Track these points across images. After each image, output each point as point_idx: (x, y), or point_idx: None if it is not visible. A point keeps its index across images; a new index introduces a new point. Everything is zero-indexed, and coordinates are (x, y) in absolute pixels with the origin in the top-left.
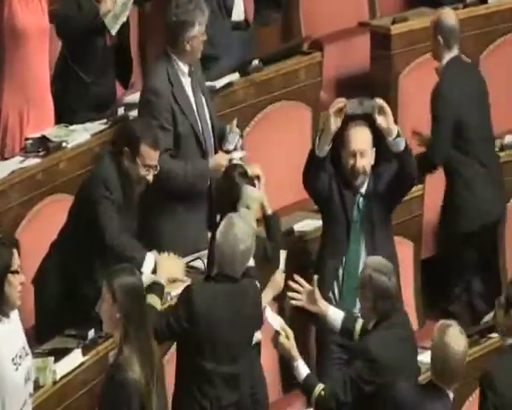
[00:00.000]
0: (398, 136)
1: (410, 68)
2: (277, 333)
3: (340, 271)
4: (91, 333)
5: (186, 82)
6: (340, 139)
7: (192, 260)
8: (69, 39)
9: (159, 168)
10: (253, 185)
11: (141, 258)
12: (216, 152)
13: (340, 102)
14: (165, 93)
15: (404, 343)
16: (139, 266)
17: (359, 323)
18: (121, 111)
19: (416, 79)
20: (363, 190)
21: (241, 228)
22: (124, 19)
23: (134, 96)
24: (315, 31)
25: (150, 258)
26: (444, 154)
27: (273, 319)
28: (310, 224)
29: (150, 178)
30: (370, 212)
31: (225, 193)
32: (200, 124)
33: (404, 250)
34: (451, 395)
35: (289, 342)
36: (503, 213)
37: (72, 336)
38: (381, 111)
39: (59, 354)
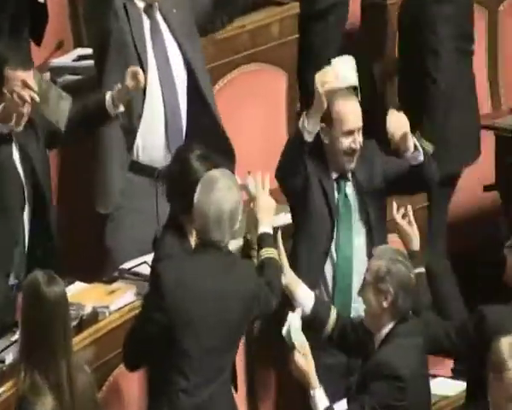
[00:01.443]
0: (416, 149)
1: None
2: (293, 348)
3: (329, 271)
4: (10, 356)
5: (145, 21)
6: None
7: (136, 266)
8: None
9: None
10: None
11: None
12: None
13: (330, 77)
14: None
15: (422, 354)
16: None
17: (334, 313)
18: (47, 77)
19: None
20: (349, 175)
21: (226, 183)
22: None
23: (64, 59)
24: None
25: None
26: None
27: (295, 329)
28: (286, 218)
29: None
30: (362, 201)
31: (176, 179)
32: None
33: None
34: None
35: (307, 363)
36: None
37: None
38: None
39: None
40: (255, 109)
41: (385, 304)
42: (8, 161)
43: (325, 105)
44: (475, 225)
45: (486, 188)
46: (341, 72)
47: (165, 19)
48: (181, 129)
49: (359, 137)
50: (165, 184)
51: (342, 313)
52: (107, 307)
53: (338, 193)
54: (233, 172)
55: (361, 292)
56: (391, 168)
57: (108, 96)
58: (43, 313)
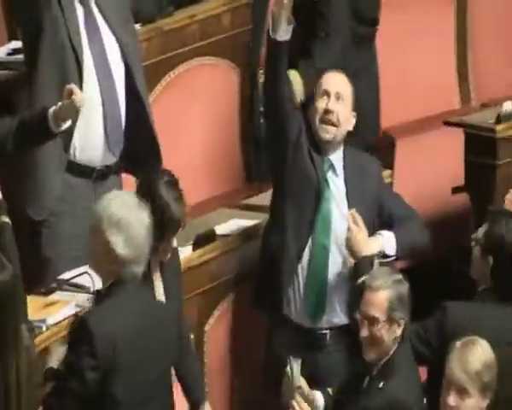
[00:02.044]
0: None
1: None
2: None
3: (305, 260)
4: None
5: (78, 10)
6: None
7: (76, 276)
8: None
9: None
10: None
11: None
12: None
13: None
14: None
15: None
16: None
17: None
18: None
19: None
20: (335, 163)
21: (136, 202)
22: None
23: None
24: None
25: None
26: None
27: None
28: (237, 224)
29: None
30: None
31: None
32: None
33: None
34: None
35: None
36: None
37: None
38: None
39: None
40: (205, 106)
41: (398, 331)
42: None
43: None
44: (445, 229)
45: (455, 190)
46: None
47: (99, 7)
48: (120, 126)
49: (339, 106)
50: None
51: (316, 311)
52: (43, 321)
53: (322, 174)
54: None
55: (365, 333)
56: (387, 210)
57: (51, 113)
58: None
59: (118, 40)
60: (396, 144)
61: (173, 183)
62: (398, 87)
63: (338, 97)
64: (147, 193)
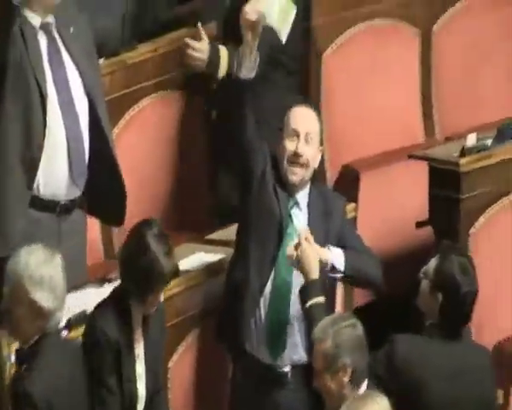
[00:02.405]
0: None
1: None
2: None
3: (267, 295)
4: None
5: (41, 42)
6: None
7: None
8: None
9: None
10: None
11: None
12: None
13: (251, 13)
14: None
15: None
16: None
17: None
18: None
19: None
20: (300, 200)
21: (47, 252)
22: None
23: None
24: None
25: None
26: None
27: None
28: (201, 259)
29: None
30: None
31: (132, 256)
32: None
33: None
34: None
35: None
36: None
37: None
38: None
39: None
40: (169, 141)
41: (346, 379)
42: None
43: (249, 37)
44: (410, 263)
45: (419, 224)
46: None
47: (62, 38)
48: (84, 159)
49: (307, 149)
50: (118, 262)
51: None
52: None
53: (286, 211)
54: (123, 214)
55: (316, 384)
56: (347, 244)
57: None
58: None
59: (81, 74)
60: (360, 178)
61: (162, 235)
62: (363, 121)
63: (307, 139)
64: (136, 245)
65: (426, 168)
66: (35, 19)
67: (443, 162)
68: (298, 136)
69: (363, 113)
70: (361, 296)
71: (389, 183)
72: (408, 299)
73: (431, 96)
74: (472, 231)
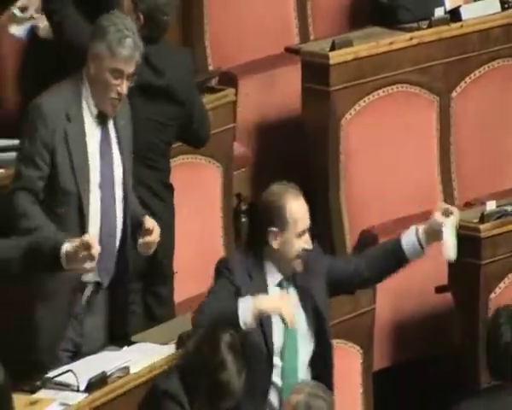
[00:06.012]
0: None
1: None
2: None
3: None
4: None
5: (91, 128)
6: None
7: (60, 374)
8: None
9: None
10: None
11: None
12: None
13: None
14: (53, 122)
15: None
16: None
17: None
18: None
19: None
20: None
21: None
22: None
23: None
24: (226, 61)
25: None
26: None
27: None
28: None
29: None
30: (306, 305)
31: (200, 360)
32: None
33: (350, 359)
34: None
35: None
36: None
37: None
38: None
39: None
40: (187, 203)
41: None
42: None
43: None
44: (428, 330)
45: (439, 289)
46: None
47: (116, 130)
48: (114, 255)
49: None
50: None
51: None
52: None
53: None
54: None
55: None
56: (335, 270)
57: (63, 253)
58: None
59: (124, 167)
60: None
61: (236, 347)
62: (382, 186)
63: (308, 231)
64: (208, 347)
65: None
66: (92, 105)
67: (463, 228)
68: (305, 232)
69: (381, 178)
70: (379, 362)
71: None
72: (425, 363)
73: (450, 162)
74: (492, 296)
